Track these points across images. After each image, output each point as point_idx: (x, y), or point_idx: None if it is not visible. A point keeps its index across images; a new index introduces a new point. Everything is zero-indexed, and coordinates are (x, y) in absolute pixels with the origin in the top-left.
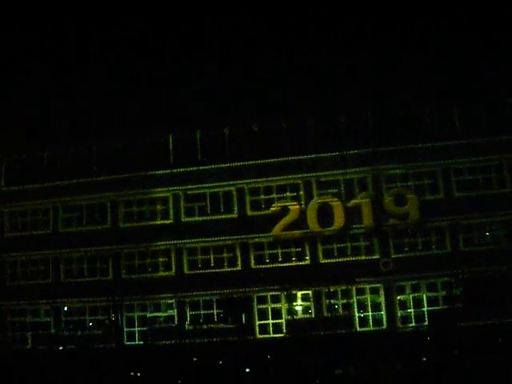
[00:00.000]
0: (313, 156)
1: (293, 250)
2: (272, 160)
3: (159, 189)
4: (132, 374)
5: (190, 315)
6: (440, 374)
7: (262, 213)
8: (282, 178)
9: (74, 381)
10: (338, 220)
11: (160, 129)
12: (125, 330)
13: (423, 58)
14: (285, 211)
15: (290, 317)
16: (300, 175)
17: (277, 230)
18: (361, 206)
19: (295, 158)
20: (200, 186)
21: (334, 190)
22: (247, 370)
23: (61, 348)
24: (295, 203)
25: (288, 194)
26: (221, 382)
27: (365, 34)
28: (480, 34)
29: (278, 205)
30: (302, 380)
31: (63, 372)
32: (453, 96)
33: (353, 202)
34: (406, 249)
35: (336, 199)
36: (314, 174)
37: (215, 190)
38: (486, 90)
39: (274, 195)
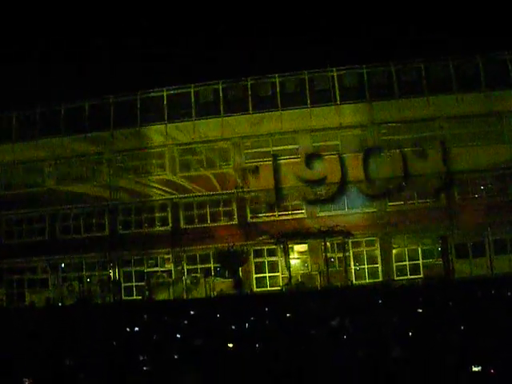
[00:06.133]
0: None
1: (289, 203)
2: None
3: (154, 141)
4: (129, 329)
5: (187, 269)
6: (434, 325)
7: (256, 164)
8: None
9: (72, 337)
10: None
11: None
12: (122, 285)
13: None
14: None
15: (286, 270)
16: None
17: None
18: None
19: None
20: (195, 139)
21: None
22: (246, 325)
23: (59, 304)
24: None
25: (285, 147)
26: (218, 335)
27: None
28: None
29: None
30: (298, 332)
31: (61, 328)
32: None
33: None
34: (402, 202)
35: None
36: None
37: (210, 143)
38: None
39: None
